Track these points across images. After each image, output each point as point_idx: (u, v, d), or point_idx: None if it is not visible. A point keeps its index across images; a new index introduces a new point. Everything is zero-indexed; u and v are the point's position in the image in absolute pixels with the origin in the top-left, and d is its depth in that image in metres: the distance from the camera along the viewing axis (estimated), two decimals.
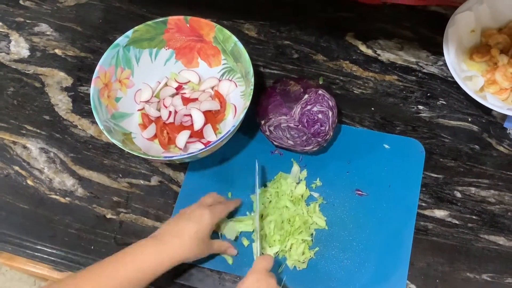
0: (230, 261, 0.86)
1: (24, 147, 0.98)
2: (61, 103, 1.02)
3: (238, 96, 0.93)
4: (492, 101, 0.89)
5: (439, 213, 0.88)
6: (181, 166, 0.95)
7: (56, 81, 1.04)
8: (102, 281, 0.73)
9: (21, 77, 1.05)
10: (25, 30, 1.10)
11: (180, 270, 0.85)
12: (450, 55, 0.92)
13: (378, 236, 0.86)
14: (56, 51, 1.07)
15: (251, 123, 0.92)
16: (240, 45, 0.88)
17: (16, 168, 0.97)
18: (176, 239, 0.78)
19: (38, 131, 1.00)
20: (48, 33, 1.10)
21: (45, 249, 0.90)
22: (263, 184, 0.90)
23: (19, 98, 1.03)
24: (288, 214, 0.86)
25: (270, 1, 1.10)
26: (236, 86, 0.94)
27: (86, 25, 1.10)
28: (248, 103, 0.84)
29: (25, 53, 1.08)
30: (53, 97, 1.03)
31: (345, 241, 0.86)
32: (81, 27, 1.10)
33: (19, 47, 1.09)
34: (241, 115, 0.83)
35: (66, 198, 0.94)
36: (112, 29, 1.08)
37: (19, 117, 1.02)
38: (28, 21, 1.11)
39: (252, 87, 0.85)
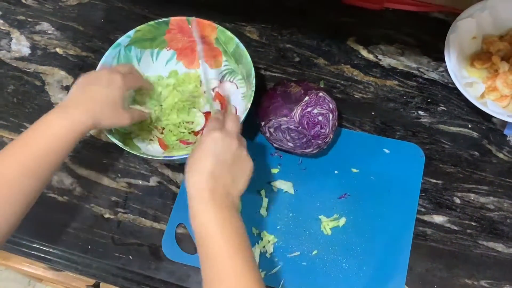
0: None
1: None
2: (61, 101, 1.02)
3: (239, 98, 0.93)
4: (493, 108, 0.89)
5: (438, 219, 0.88)
6: (180, 166, 0.94)
7: (56, 79, 1.04)
8: (19, 158, 0.70)
9: (22, 75, 1.05)
10: (27, 29, 1.10)
11: (178, 271, 0.85)
12: (451, 61, 0.92)
13: (377, 241, 0.86)
14: (57, 50, 1.07)
15: (251, 125, 0.92)
16: (241, 47, 0.88)
17: None
18: (83, 104, 0.75)
19: None
20: (49, 32, 1.10)
21: (42, 247, 0.90)
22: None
23: (19, 96, 1.03)
24: None
25: (272, 5, 1.10)
26: (237, 87, 0.94)
27: (87, 24, 1.10)
28: (249, 105, 0.84)
29: (26, 51, 1.08)
30: (53, 95, 1.03)
31: (343, 245, 0.86)
32: (82, 27, 1.10)
33: (20, 45, 1.08)
34: (242, 117, 0.83)
35: (64, 197, 0.93)
36: (114, 29, 1.08)
37: (19, 115, 1.01)
38: (29, 19, 1.11)
39: (253, 89, 0.85)
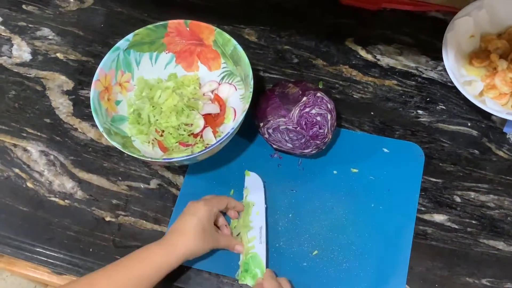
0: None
1: (25, 149, 0.99)
2: (62, 106, 1.03)
3: (237, 100, 0.93)
4: (492, 106, 0.89)
5: (439, 218, 0.88)
6: (180, 169, 0.95)
7: (57, 84, 1.05)
8: (117, 280, 0.76)
9: (23, 80, 1.06)
10: (27, 34, 1.11)
11: (178, 273, 0.85)
12: (449, 60, 0.92)
13: (377, 240, 0.86)
14: (58, 55, 1.08)
15: (250, 127, 0.92)
16: (239, 49, 0.89)
17: (16, 170, 0.97)
18: (179, 236, 0.80)
19: (39, 134, 1.00)
20: (50, 37, 1.10)
21: (44, 251, 0.90)
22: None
23: (20, 101, 1.04)
24: None
25: (270, 7, 1.11)
26: (236, 89, 0.95)
27: (87, 29, 1.11)
28: (247, 106, 0.84)
29: (27, 57, 1.09)
30: (54, 100, 1.03)
31: (344, 244, 0.86)
32: (82, 32, 1.10)
33: (21, 51, 1.09)
34: (240, 117, 0.84)
35: (66, 201, 0.94)
36: (114, 33, 1.09)
37: (20, 120, 1.02)
38: (30, 25, 1.12)
39: (252, 90, 0.85)
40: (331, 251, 0.85)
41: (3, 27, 1.12)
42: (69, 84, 1.05)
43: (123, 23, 1.10)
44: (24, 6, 1.15)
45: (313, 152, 0.88)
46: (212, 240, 0.83)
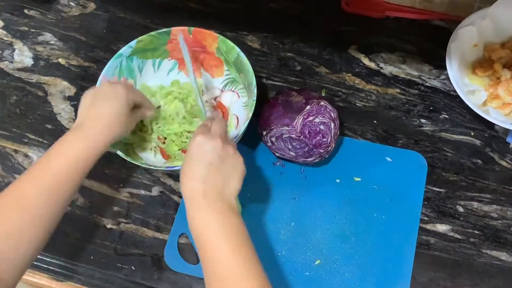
0: None
1: (26, 155, 0.98)
2: (64, 112, 1.02)
3: (240, 107, 0.93)
4: (495, 116, 0.89)
5: (441, 228, 0.88)
6: None
7: (59, 90, 1.05)
8: (43, 183, 0.70)
9: (24, 85, 1.06)
10: (29, 39, 1.11)
11: (178, 281, 0.85)
12: (453, 69, 0.92)
13: (380, 250, 0.85)
14: (60, 60, 1.08)
15: (253, 134, 0.92)
16: (243, 56, 0.89)
17: (17, 176, 0.96)
18: (98, 122, 0.75)
19: (40, 139, 1.00)
20: (52, 42, 1.10)
21: (44, 258, 0.90)
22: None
23: (21, 106, 1.04)
24: None
25: (274, 14, 1.10)
26: (239, 97, 0.94)
27: (90, 35, 1.10)
28: (250, 114, 0.84)
29: (29, 62, 1.08)
30: (55, 106, 1.03)
31: (346, 254, 0.85)
32: (85, 37, 1.10)
33: (22, 55, 1.09)
34: (243, 126, 0.83)
35: (67, 208, 0.93)
36: (116, 39, 1.09)
37: (21, 125, 1.02)
38: (32, 30, 1.12)
39: (255, 98, 0.85)
40: (333, 261, 0.85)
41: (5, 32, 1.12)
42: (71, 90, 1.04)
43: (125, 28, 1.10)
44: (26, 11, 1.14)
45: (316, 160, 0.88)
46: (131, 121, 0.81)
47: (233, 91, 0.95)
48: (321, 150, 0.86)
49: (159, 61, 0.96)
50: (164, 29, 0.92)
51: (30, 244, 0.68)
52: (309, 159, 0.87)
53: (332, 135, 0.86)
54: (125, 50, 0.91)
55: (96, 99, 0.78)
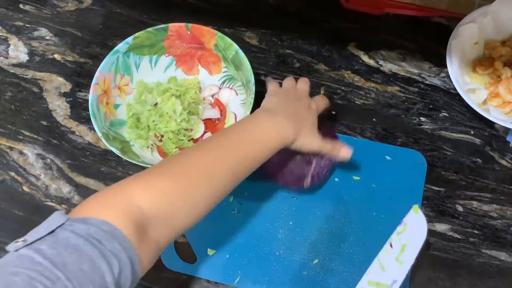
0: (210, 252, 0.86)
1: (21, 152, 0.97)
2: (59, 108, 1.01)
3: (238, 105, 0.92)
4: (495, 114, 0.88)
5: (440, 227, 0.87)
6: None
7: (54, 86, 1.03)
8: (231, 159, 0.69)
9: (19, 81, 1.04)
10: (24, 35, 1.09)
11: (176, 280, 0.84)
12: (453, 67, 0.91)
13: (378, 249, 0.84)
14: (55, 56, 1.06)
15: None
16: (241, 53, 0.87)
17: (12, 174, 0.95)
18: (294, 119, 0.75)
19: (35, 136, 0.98)
20: (47, 37, 1.09)
21: None
22: None
23: (16, 103, 1.02)
24: None
25: (272, 10, 1.09)
26: (237, 94, 0.93)
27: (86, 30, 1.09)
28: (248, 112, 0.83)
29: (24, 57, 1.07)
30: (51, 102, 1.02)
31: (344, 253, 0.85)
32: (81, 32, 1.09)
33: (17, 51, 1.07)
34: None
35: (62, 206, 0.92)
36: (112, 35, 1.07)
37: (16, 122, 1.00)
38: (27, 25, 1.10)
39: (253, 96, 0.84)
40: (331, 260, 0.84)
41: None
42: (67, 86, 1.03)
43: (122, 24, 1.09)
44: (21, 6, 1.13)
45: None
46: (319, 141, 0.78)
47: (231, 88, 0.94)
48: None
49: (156, 58, 0.94)
50: (161, 25, 0.91)
51: (200, 217, 0.66)
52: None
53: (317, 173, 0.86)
54: (121, 46, 0.90)
55: (291, 99, 0.79)
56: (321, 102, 0.84)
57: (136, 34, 0.90)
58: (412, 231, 0.76)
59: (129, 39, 0.90)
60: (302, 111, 0.78)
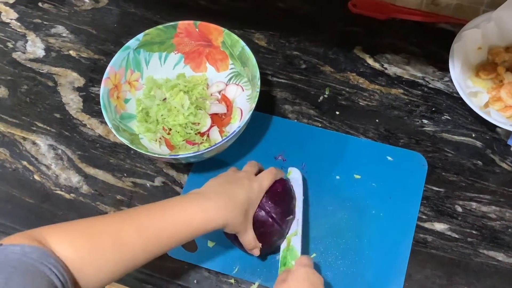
0: (211, 244, 0.88)
1: (34, 143, 1.01)
2: (72, 102, 1.05)
3: (244, 100, 0.95)
4: (496, 117, 0.90)
5: (439, 226, 0.88)
6: (186, 168, 0.96)
7: (68, 81, 1.07)
8: (148, 236, 0.69)
9: (35, 75, 1.08)
10: (42, 31, 1.13)
11: (177, 269, 0.86)
12: (456, 70, 0.93)
13: (376, 247, 0.86)
14: (71, 52, 1.10)
15: (256, 128, 0.94)
16: (247, 49, 0.90)
17: (25, 163, 0.99)
18: (225, 200, 0.73)
19: (48, 128, 1.02)
20: (64, 34, 1.13)
21: None
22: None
23: (32, 96, 1.06)
24: None
25: (282, 13, 1.12)
26: (243, 90, 0.96)
27: (101, 28, 1.13)
28: (253, 105, 0.85)
29: (41, 53, 1.11)
30: (64, 96, 1.05)
31: (342, 249, 0.86)
32: (96, 31, 1.13)
33: (35, 47, 1.12)
34: (246, 117, 0.85)
35: (71, 195, 0.95)
36: (126, 33, 1.11)
37: (30, 114, 1.04)
38: (45, 22, 1.15)
39: (258, 90, 0.86)
40: (329, 255, 0.86)
41: (18, 23, 1.15)
42: (80, 81, 1.07)
43: (136, 23, 1.12)
44: (40, 4, 1.17)
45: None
46: (246, 227, 0.77)
47: (237, 84, 0.97)
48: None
49: (166, 55, 0.98)
50: (171, 23, 0.94)
51: (111, 279, 0.69)
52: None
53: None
54: (132, 42, 0.93)
55: (228, 182, 0.78)
56: (265, 179, 0.80)
57: (147, 31, 0.93)
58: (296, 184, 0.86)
59: (140, 36, 0.93)
60: (238, 195, 0.75)
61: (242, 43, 0.91)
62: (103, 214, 0.72)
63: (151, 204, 0.74)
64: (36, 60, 1.10)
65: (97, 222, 0.70)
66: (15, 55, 1.11)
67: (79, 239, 0.66)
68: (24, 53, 1.11)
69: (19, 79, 1.08)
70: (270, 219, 0.79)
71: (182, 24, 0.94)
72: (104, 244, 0.67)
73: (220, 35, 0.93)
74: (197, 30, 0.94)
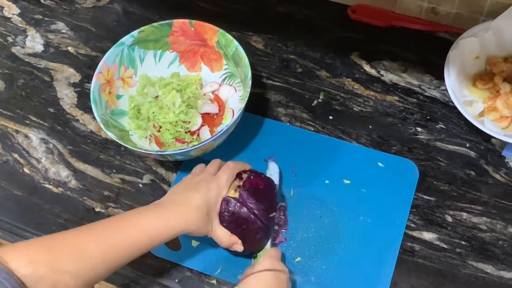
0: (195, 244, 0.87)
1: (26, 136, 1.01)
2: (67, 97, 1.05)
3: (236, 101, 0.94)
4: (490, 127, 0.88)
5: (428, 236, 0.86)
6: (175, 166, 0.96)
7: (65, 76, 1.07)
8: (107, 246, 0.70)
9: (32, 70, 1.09)
10: (42, 27, 1.14)
11: (160, 268, 0.86)
12: (451, 78, 0.92)
13: (362, 253, 0.84)
14: (69, 48, 1.11)
15: (246, 130, 0.93)
16: (240, 49, 0.90)
17: (15, 155, 0.99)
18: (181, 207, 0.75)
19: (41, 122, 1.02)
20: (63, 31, 1.13)
21: (33, 236, 0.91)
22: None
23: (27, 89, 1.07)
24: None
25: (281, 18, 1.12)
26: (236, 91, 0.95)
27: (100, 26, 1.13)
28: (243, 105, 0.85)
29: (39, 48, 1.12)
30: (60, 91, 1.06)
31: (327, 254, 0.84)
32: (95, 28, 1.13)
33: (34, 42, 1.12)
34: (235, 116, 0.84)
35: (59, 189, 0.95)
36: (125, 32, 1.08)
37: (25, 107, 1.04)
38: (46, 18, 1.15)
39: (249, 90, 0.86)
40: (314, 260, 0.84)
41: (20, 19, 1.16)
42: (76, 77, 1.07)
43: (135, 22, 1.12)
44: (42, 0, 1.18)
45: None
46: (213, 227, 0.78)
47: (230, 85, 0.96)
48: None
49: (161, 53, 0.98)
50: (166, 21, 0.94)
51: None
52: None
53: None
54: (126, 39, 0.93)
55: (186, 188, 0.78)
56: (223, 176, 0.79)
57: (142, 28, 0.93)
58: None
59: (135, 33, 0.93)
60: (194, 201, 0.75)
61: (236, 43, 0.91)
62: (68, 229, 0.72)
63: (111, 217, 0.75)
64: (34, 55, 1.11)
65: (57, 236, 0.70)
66: (14, 49, 1.12)
67: (37, 254, 0.66)
68: (23, 47, 1.12)
69: (16, 73, 1.09)
70: (252, 216, 0.78)
71: (178, 22, 0.94)
72: (62, 256, 0.67)
73: (215, 34, 0.93)
74: (192, 29, 0.94)
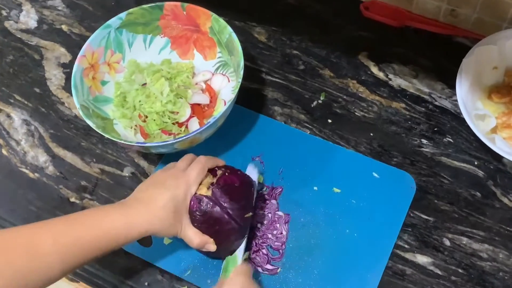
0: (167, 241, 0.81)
1: (8, 116, 0.96)
2: (55, 78, 1.00)
3: (229, 92, 0.87)
4: (501, 146, 0.80)
5: (421, 259, 0.79)
6: (159, 159, 0.90)
7: (55, 55, 1.02)
8: (64, 243, 0.64)
9: (23, 47, 1.04)
10: (38, 2, 1.09)
11: (129, 269, 0.80)
12: (463, 88, 0.83)
13: (343, 270, 0.77)
14: (63, 26, 1.06)
15: (235, 128, 0.87)
16: (234, 36, 0.83)
17: None
18: (145, 206, 0.69)
19: (26, 102, 0.97)
20: (59, 8, 1.08)
21: (4, 222, 0.86)
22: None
23: (15, 67, 1.02)
24: None
25: (290, 10, 1.04)
26: (229, 81, 0.89)
27: (98, 5, 1.08)
28: (233, 96, 0.78)
29: (33, 24, 1.07)
30: (48, 71, 1.01)
31: (307, 267, 0.78)
32: (92, 7, 1.08)
33: (28, 17, 1.07)
34: (224, 108, 0.78)
35: (35, 174, 0.90)
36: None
37: (11, 85, 1.00)
38: None
39: (240, 81, 0.80)
40: (292, 272, 0.78)
41: None
42: (67, 57, 1.02)
43: (135, 4, 1.05)
44: None
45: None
46: (182, 226, 0.71)
47: (224, 74, 0.90)
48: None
49: (151, 38, 0.91)
50: (157, 3, 0.88)
51: None
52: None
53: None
54: (113, 21, 0.87)
55: (153, 185, 0.73)
56: (192, 172, 0.73)
57: (130, 10, 0.87)
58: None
59: (122, 15, 0.87)
60: (160, 199, 0.69)
61: (229, 29, 0.84)
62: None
63: (71, 214, 0.69)
64: (27, 31, 1.06)
65: (11, 231, 0.65)
66: (7, 23, 1.07)
67: None
68: (16, 22, 1.07)
69: (6, 48, 1.04)
70: (226, 216, 0.72)
71: (169, 5, 0.87)
72: (14, 254, 0.61)
73: (208, 19, 0.86)
74: (184, 13, 0.87)
